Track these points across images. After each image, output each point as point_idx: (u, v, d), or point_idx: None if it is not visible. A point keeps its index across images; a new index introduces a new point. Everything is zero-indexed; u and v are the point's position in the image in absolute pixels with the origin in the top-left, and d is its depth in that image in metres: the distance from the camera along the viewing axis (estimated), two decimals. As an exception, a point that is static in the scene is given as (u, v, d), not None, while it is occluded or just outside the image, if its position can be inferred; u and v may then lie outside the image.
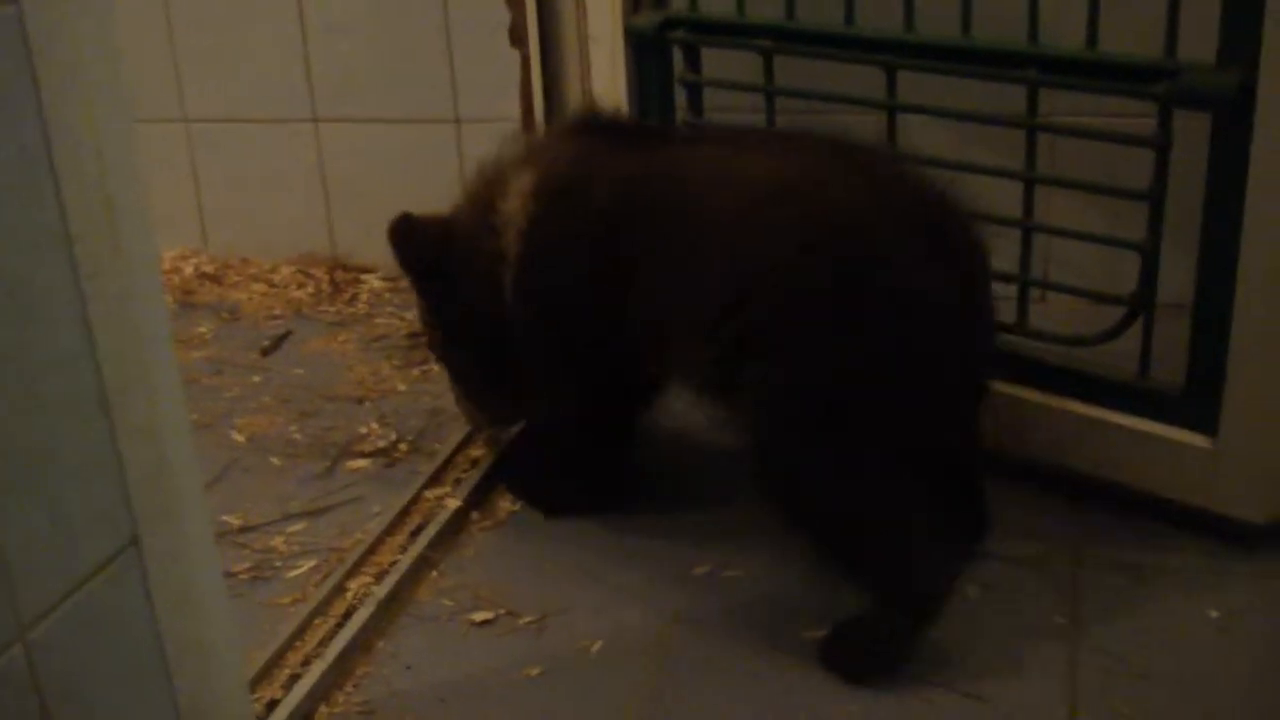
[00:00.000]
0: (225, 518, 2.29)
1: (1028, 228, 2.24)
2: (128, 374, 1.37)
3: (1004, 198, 2.26)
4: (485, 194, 2.17)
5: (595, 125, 2.19)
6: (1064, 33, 2.15)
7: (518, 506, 2.33)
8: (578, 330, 2.11)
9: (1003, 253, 2.27)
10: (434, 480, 2.37)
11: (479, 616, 2.04)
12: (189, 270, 3.31)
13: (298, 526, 2.28)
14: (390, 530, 2.23)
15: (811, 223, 1.85)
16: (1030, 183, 2.22)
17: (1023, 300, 2.29)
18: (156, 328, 1.41)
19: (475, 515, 2.31)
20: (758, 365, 1.85)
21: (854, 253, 1.82)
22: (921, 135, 2.46)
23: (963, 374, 1.92)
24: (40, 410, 1.25)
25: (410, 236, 2.24)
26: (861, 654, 1.88)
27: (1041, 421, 2.24)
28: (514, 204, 2.10)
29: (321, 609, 2.03)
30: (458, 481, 2.37)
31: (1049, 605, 2.01)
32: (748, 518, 2.17)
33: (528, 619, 2.04)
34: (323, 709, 1.87)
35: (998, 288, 2.19)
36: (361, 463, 2.45)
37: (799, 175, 1.91)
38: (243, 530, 2.27)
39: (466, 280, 2.20)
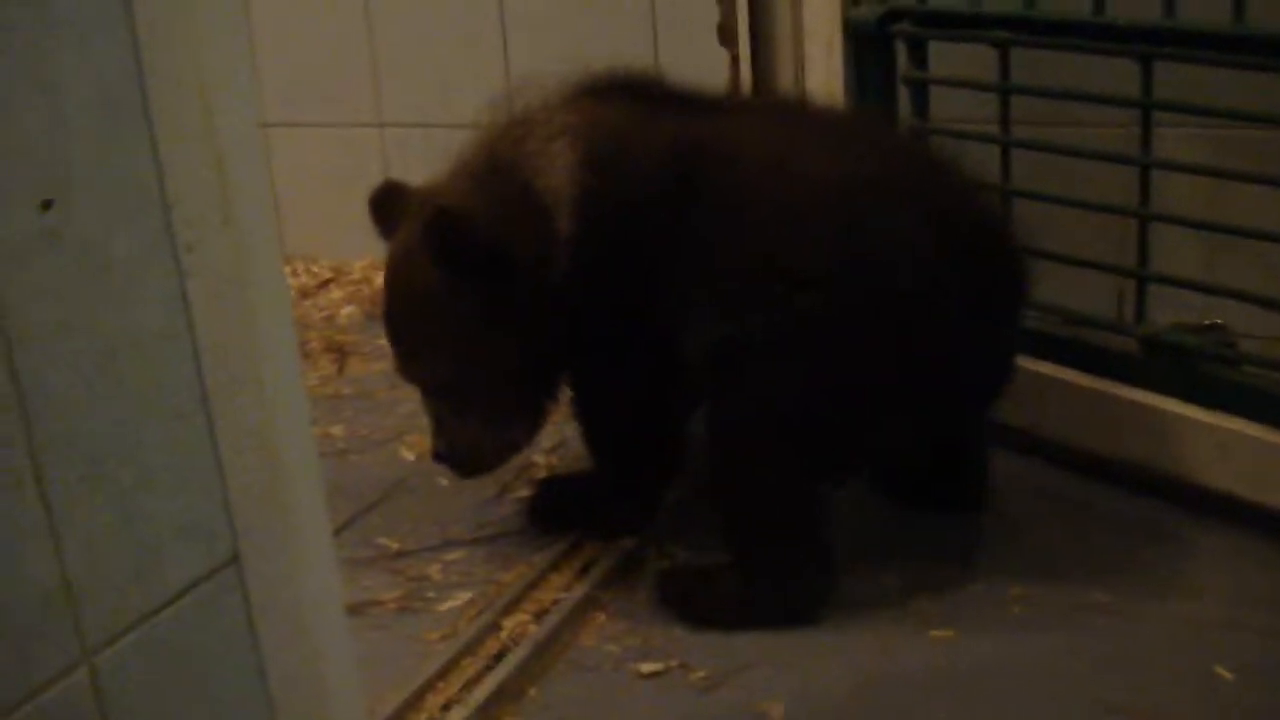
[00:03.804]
0: (382, 540, 2.14)
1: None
2: (235, 367, 1.18)
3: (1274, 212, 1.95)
4: (510, 175, 1.97)
5: (621, 88, 2.05)
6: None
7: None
8: (631, 302, 1.97)
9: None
10: (609, 513, 2.14)
11: (646, 667, 1.83)
12: (380, 280, 3.19)
13: (457, 554, 2.09)
14: (556, 565, 2.04)
15: (849, 246, 1.83)
16: (1311, 197, 1.90)
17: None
18: (275, 316, 1.22)
19: (651, 553, 2.09)
20: (743, 370, 1.85)
21: (881, 288, 1.82)
22: (1178, 138, 2.16)
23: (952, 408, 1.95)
24: (118, 401, 1.07)
25: (460, 228, 1.90)
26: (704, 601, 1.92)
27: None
28: (559, 178, 1.94)
29: (471, 648, 1.84)
30: (635, 516, 2.14)
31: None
32: (966, 574, 1.96)
33: (701, 673, 1.81)
34: (460, 763, 1.68)
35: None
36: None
37: (850, 187, 1.87)
38: (398, 555, 2.10)
39: (514, 271, 1.95)
